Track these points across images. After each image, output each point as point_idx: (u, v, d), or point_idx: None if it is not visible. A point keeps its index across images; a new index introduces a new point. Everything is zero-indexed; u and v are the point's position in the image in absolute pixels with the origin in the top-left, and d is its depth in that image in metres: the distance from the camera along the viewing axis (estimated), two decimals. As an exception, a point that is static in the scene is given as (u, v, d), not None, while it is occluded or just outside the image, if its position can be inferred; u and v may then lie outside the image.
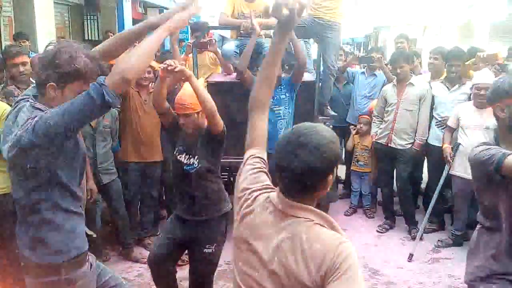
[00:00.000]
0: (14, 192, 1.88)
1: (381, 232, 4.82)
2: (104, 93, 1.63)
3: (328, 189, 1.41)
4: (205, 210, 2.90)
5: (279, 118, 4.03)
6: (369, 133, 5.05)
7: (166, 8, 13.23)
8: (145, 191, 4.26)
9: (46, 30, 7.19)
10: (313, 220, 1.35)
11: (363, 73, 5.52)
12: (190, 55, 4.49)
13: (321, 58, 4.56)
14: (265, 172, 1.57)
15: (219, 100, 4.32)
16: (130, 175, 4.16)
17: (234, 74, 4.41)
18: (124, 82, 1.69)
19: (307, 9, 4.76)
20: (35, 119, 1.67)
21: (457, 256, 4.25)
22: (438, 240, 4.53)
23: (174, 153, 2.97)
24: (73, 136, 1.80)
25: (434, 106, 4.62)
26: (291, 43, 3.93)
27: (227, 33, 5.14)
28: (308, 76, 4.60)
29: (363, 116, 5.19)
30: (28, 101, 1.82)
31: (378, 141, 4.80)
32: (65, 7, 9.24)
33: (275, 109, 3.98)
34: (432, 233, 4.74)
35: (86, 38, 10.11)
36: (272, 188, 1.50)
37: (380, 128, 4.78)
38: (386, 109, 4.72)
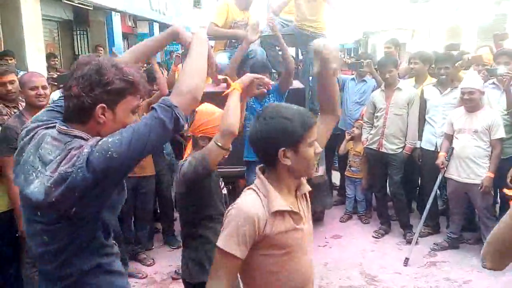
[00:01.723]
0: (37, 246, 1.48)
1: (377, 238, 4.80)
2: (178, 116, 1.43)
3: (286, 163, 1.56)
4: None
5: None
6: (360, 140, 5.07)
7: (156, 21, 13.30)
8: (138, 205, 4.23)
9: (35, 47, 7.18)
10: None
11: (353, 79, 5.54)
12: (180, 65, 4.49)
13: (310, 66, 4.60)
14: None
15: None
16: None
17: (223, 85, 4.40)
18: (195, 101, 1.54)
19: (294, 19, 4.86)
20: (85, 150, 1.33)
21: (454, 259, 4.25)
22: (434, 244, 4.53)
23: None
24: (128, 174, 1.47)
25: (426, 110, 4.65)
26: (280, 49, 3.96)
27: (211, 43, 5.14)
28: (297, 83, 4.62)
29: (358, 120, 5.19)
30: (48, 128, 1.47)
31: (369, 147, 4.82)
32: (54, 24, 9.25)
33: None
34: (428, 237, 4.73)
35: (76, 53, 10.12)
36: None
37: (371, 134, 4.80)
38: (375, 114, 4.75)
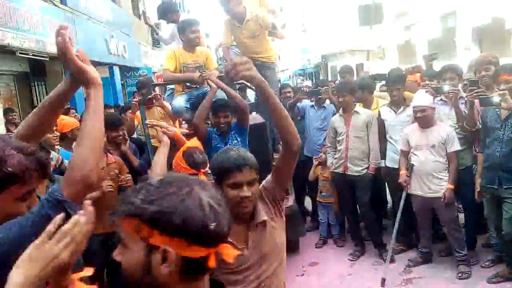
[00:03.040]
0: None
1: (353, 260, 4.83)
2: (67, 209, 1.34)
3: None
4: None
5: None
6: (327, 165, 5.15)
7: (116, 65, 13.29)
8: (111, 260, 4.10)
9: (-8, 103, 7.04)
10: None
11: (312, 106, 5.67)
12: (138, 112, 4.49)
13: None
14: None
15: (175, 153, 4.36)
16: (92, 247, 3.98)
17: (184, 126, 4.44)
18: (88, 188, 1.42)
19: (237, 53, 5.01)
20: None
21: (429, 273, 4.32)
22: (408, 260, 4.59)
23: None
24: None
25: (386, 130, 4.79)
26: (224, 92, 4.03)
27: (171, 87, 5.18)
28: (257, 117, 4.69)
29: (324, 146, 5.27)
30: None
31: (335, 171, 4.91)
32: (10, 77, 9.10)
33: (230, 154, 4.01)
34: (403, 253, 4.80)
35: (35, 105, 9.95)
36: None
37: (335, 158, 4.90)
38: (337, 138, 4.87)
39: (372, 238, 4.94)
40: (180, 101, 4.37)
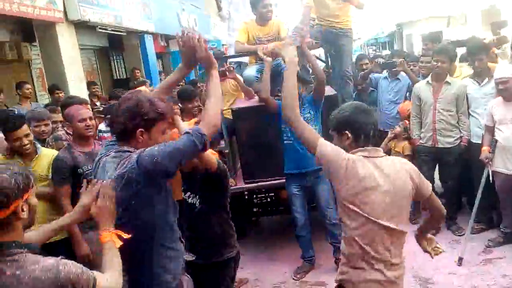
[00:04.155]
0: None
1: (428, 237, 4.66)
2: (206, 141, 1.92)
3: None
4: (204, 254, 2.71)
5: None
6: (402, 138, 4.93)
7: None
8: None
9: (76, 76, 7.52)
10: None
11: (385, 78, 5.44)
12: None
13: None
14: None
15: (245, 125, 4.43)
16: None
17: (257, 98, 4.46)
18: (216, 132, 2.09)
19: (316, 19, 4.84)
20: (134, 156, 1.85)
21: (510, 255, 4.07)
22: (488, 240, 4.35)
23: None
24: (171, 177, 1.97)
25: (469, 103, 4.50)
26: (306, 60, 3.96)
27: (245, 59, 5.22)
28: (329, 90, 4.59)
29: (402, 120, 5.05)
30: (107, 156, 1.98)
31: (424, 145, 4.64)
32: (91, 52, 9.63)
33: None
34: (482, 233, 4.56)
35: (115, 77, 10.49)
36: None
37: (422, 132, 4.65)
38: (422, 108, 4.61)
39: (448, 214, 4.73)
40: (251, 71, 4.44)
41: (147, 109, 1.95)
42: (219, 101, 2.15)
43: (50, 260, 1.48)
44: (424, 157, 4.69)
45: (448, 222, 4.70)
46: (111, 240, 1.77)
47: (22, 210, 1.49)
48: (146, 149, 1.86)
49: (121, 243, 1.78)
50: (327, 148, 2.07)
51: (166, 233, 2.03)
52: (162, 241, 2.00)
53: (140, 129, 1.96)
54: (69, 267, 1.50)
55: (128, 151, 1.93)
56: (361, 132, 2.07)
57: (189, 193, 2.70)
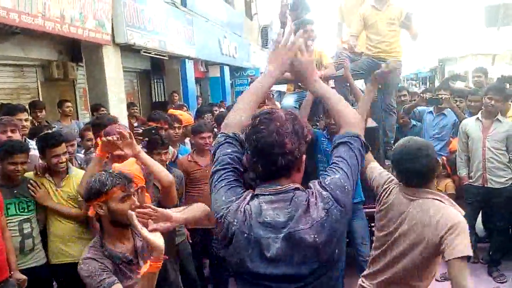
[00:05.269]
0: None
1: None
2: (364, 142, 1.60)
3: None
4: None
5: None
6: (443, 176, 4.70)
7: (227, 65, 13.77)
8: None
9: (118, 98, 7.67)
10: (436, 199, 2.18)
11: (430, 112, 5.23)
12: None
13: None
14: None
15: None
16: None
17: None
18: (362, 124, 1.74)
19: (364, 49, 4.71)
20: (324, 192, 1.44)
21: None
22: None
23: None
24: None
25: None
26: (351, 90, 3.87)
27: (283, 87, 5.17)
28: (370, 122, 4.45)
29: (443, 157, 4.82)
30: (251, 200, 1.48)
31: (473, 184, 4.40)
32: (133, 74, 9.88)
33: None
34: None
35: (153, 100, 10.69)
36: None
37: (472, 171, 4.42)
38: (469, 146, 4.40)
39: (493, 256, 4.44)
40: (290, 100, 4.36)
41: (306, 131, 1.52)
42: (342, 99, 1.71)
43: None
44: (473, 197, 4.43)
45: (490, 268, 4.40)
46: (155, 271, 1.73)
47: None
48: (326, 181, 1.47)
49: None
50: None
51: None
52: None
53: (304, 155, 1.53)
54: None
55: (296, 189, 1.47)
56: (403, 176, 2.28)
57: None
